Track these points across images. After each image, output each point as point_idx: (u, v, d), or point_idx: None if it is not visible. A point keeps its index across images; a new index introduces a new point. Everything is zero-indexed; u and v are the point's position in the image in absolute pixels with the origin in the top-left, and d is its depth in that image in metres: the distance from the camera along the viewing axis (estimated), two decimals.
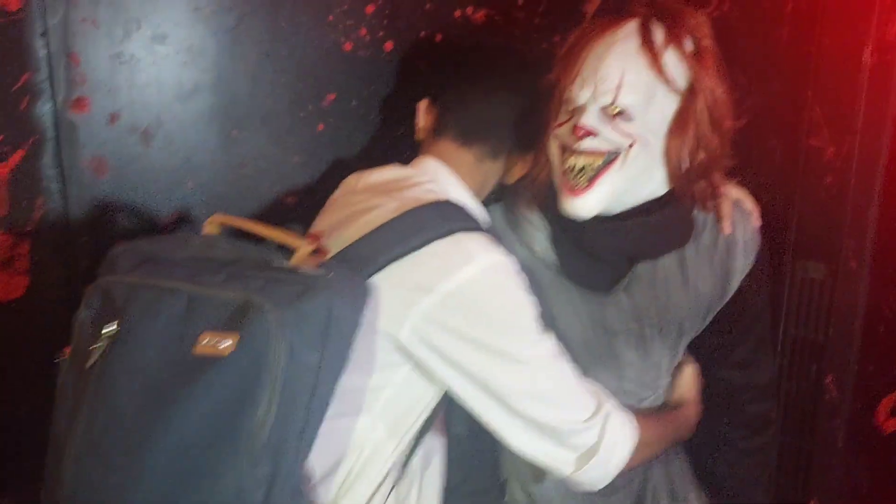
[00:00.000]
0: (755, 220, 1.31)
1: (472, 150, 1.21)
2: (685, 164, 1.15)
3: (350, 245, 1.07)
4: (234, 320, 0.89)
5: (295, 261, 0.95)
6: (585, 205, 1.14)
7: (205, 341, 0.88)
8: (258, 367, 0.87)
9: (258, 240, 1.03)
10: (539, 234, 1.26)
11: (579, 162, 1.13)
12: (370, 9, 1.45)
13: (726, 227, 1.26)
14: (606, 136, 1.12)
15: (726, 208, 1.27)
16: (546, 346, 1.08)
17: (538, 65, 1.25)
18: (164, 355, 0.89)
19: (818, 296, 1.67)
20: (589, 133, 1.11)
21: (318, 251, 1.01)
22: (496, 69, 1.25)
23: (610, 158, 1.13)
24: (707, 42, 1.14)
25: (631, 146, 1.12)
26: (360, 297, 0.98)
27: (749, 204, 1.32)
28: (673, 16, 1.14)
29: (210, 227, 1.09)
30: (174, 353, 0.89)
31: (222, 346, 0.87)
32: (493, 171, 1.24)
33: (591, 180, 1.13)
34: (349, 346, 0.95)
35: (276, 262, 0.96)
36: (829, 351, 1.67)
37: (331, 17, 1.41)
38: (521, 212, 1.28)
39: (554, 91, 1.18)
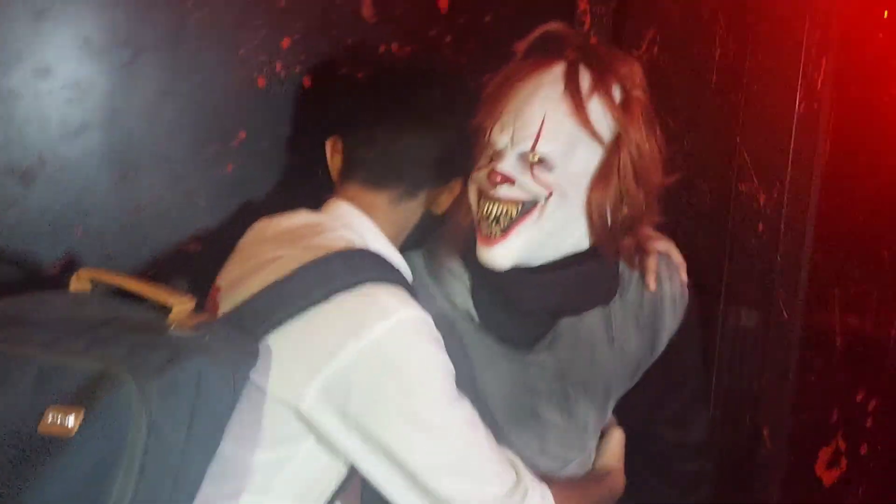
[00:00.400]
0: (683, 274, 1.25)
1: (384, 192, 1.12)
2: (608, 219, 1.08)
3: (245, 301, 0.96)
4: (84, 393, 0.78)
5: (171, 321, 0.84)
6: (500, 255, 1.07)
7: (50, 418, 0.77)
8: (112, 448, 0.77)
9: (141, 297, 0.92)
10: (460, 285, 1.18)
11: (494, 210, 1.07)
12: (286, 43, 1.36)
13: (651, 283, 1.20)
14: (524, 185, 1.05)
15: (651, 263, 1.20)
16: (462, 413, 0.99)
17: (459, 96, 1.17)
18: (11, 433, 0.78)
19: (751, 344, 1.63)
20: (505, 180, 1.04)
21: (204, 308, 0.91)
22: (408, 105, 1.16)
23: (527, 208, 1.06)
24: (637, 93, 1.08)
25: (549, 196, 1.05)
26: (242, 362, 0.88)
27: (677, 256, 1.26)
28: (602, 62, 1.08)
29: (78, 283, 0.97)
30: (21, 430, 0.78)
31: (69, 425, 0.76)
32: (412, 209, 1.15)
33: (507, 230, 1.06)
34: (225, 419, 0.85)
35: (152, 324, 0.85)
36: (764, 402, 1.62)
37: (241, 52, 1.32)
38: (442, 260, 1.19)
39: (478, 132, 1.11)
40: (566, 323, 1.17)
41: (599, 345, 1.18)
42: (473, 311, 1.17)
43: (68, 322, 0.86)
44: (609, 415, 1.26)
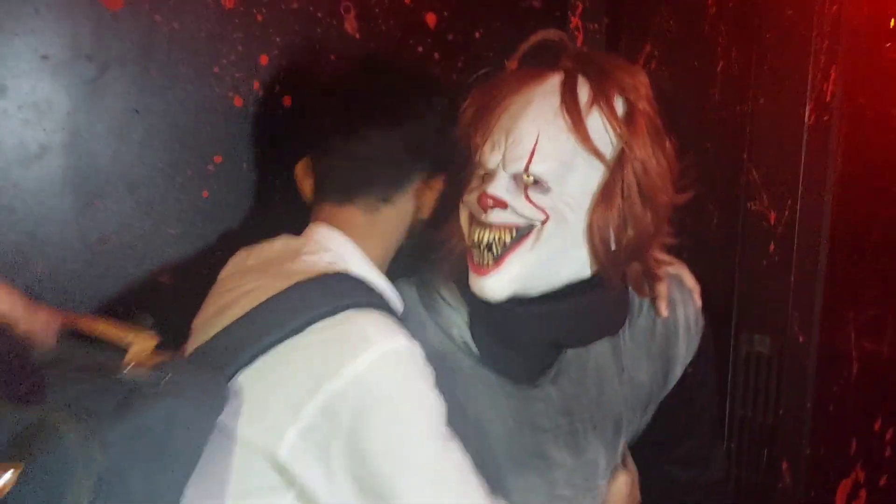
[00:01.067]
0: (698, 299, 1.17)
1: (358, 203, 1.02)
2: (612, 244, 0.98)
3: (214, 336, 0.86)
4: (19, 446, 0.68)
5: (127, 361, 0.74)
6: (493, 286, 0.97)
7: None
8: None
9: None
10: (456, 317, 1.08)
11: (486, 236, 0.97)
12: (264, 59, 1.27)
13: (662, 309, 1.11)
14: (517, 209, 0.96)
15: (662, 287, 1.11)
16: (453, 458, 0.88)
17: (423, 85, 1.07)
18: None
19: (766, 372, 1.54)
20: (497, 204, 0.95)
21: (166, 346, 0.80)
22: (366, 101, 1.04)
23: (522, 234, 0.97)
24: (643, 105, 0.98)
25: (545, 221, 0.96)
26: (209, 404, 0.78)
27: (690, 280, 1.18)
28: (603, 72, 0.99)
29: None
30: None
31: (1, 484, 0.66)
32: (392, 218, 1.04)
33: (500, 258, 0.97)
34: (185, 472, 0.75)
35: (106, 365, 0.74)
36: (781, 433, 1.53)
37: (216, 69, 1.22)
38: (437, 289, 1.09)
39: (466, 151, 1.02)
40: (572, 354, 1.07)
41: (608, 376, 1.09)
42: (472, 344, 1.07)
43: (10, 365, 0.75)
44: (620, 451, 1.16)
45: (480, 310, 1.04)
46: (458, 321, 1.07)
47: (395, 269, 1.09)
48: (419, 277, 1.11)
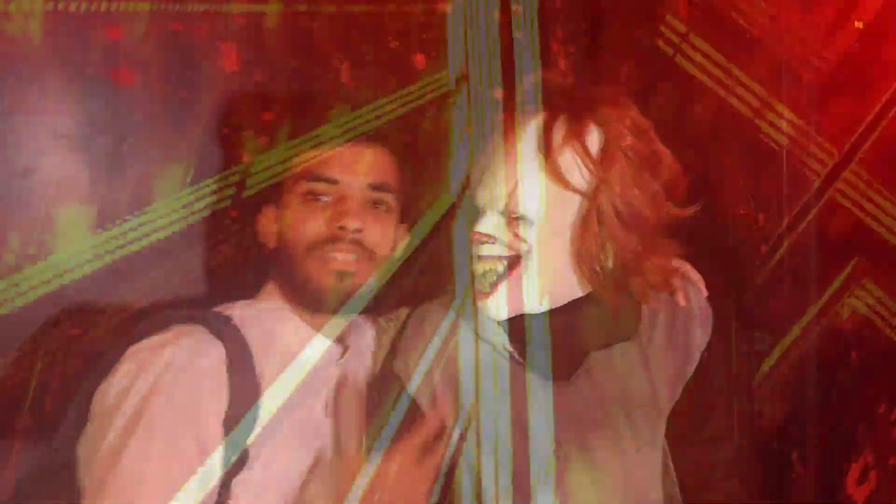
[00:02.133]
0: (704, 289, 1.25)
1: None
2: (598, 266, 1.06)
3: None
4: None
5: None
6: (493, 310, 1.08)
7: None
8: None
9: None
10: (494, 324, 1.14)
11: (481, 267, 1.08)
12: (268, 116, 1.31)
13: (681, 300, 1.19)
14: (504, 242, 1.05)
15: (677, 281, 1.19)
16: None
17: None
18: None
19: (768, 368, 1.60)
20: (486, 239, 1.05)
21: None
22: None
23: (512, 263, 1.06)
24: (625, 137, 1.04)
25: (530, 251, 1.05)
26: None
27: (695, 274, 1.26)
28: (581, 109, 1.05)
29: None
30: None
31: None
32: None
33: (494, 286, 1.07)
34: None
35: None
36: (789, 425, 1.59)
37: (226, 130, 1.27)
38: (475, 303, 1.15)
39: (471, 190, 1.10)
40: (600, 351, 1.15)
41: (635, 367, 1.16)
42: (510, 346, 1.14)
43: None
44: (660, 438, 1.21)
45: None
46: (496, 329, 1.14)
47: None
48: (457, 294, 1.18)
